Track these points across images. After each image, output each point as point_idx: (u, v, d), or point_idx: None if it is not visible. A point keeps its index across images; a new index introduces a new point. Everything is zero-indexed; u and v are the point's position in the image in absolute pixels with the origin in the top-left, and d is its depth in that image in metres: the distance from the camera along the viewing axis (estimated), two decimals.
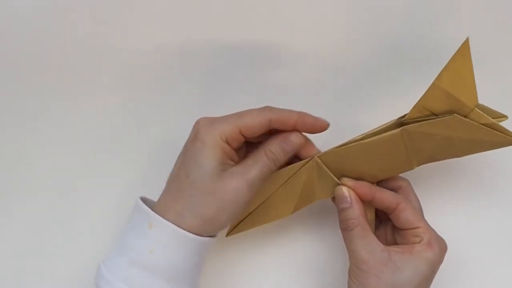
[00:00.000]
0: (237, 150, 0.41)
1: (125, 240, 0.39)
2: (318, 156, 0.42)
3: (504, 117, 0.42)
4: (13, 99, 0.51)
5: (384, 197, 0.41)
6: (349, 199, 0.41)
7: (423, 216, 0.42)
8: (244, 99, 0.45)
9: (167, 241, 0.37)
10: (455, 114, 0.39)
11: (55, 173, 0.50)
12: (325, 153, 0.42)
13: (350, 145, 0.42)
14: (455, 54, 0.38)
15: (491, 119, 0.39)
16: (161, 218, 0.38)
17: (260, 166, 0.40)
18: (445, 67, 0.39)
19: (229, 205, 0.38)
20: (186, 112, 0.48)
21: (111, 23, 0.51)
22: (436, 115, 0.40)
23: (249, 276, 0.48)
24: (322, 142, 0.43)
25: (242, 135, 0.40)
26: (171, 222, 0.37)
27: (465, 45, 0.38)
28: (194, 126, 0.40)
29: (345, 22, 0.50)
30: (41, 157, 0.50)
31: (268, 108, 0.40)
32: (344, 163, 0.42)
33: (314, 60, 0.51)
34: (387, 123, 0.42)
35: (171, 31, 0.51)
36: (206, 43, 0.50)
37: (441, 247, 0.40)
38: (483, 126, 0.39)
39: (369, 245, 0.40)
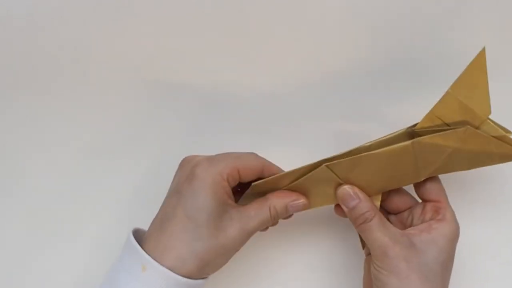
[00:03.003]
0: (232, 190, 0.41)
1: (115, 280, 0.38)
2: (326, 165, 0.41)
3: (510, 132, 0.42)
4: (12, 102, 0.51)
5: None
6: (355, 196, 0.41)
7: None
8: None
9: (161, 286, 0.37)
10: (468, 126, 0.39)
11: (51, 176, 0.50)
12: (334, 163, 0.41)
13: (360, 155, 0.40)
14: (470, 64, 0.39)
15: (503, 131, 0.39)
16: (156, 263, 0.37)
17: (261, 220, 0.40)
18: (460, 76, 0.39)
19: (229, 252, 0.39)
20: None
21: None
22: (447, 125, 0.40)
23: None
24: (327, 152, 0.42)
25: (239, 176, 0.40)
26: (167, 267, 0.37)
27: (481, 55, 0.38)
28: (185, 165, 0.40)
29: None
30: (38, 161, 0.51)
31: (257, 155, 0.42)
32: (353, 174, 0.41)
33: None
34: (396, 131, 0.42)
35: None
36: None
37: (456, 224, 0.41)
38: (494, 139, 0.39)
39: (390, 231, 0.40)
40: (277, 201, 0.41)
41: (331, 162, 0.41)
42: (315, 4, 0.49)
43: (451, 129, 0.39)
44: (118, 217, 0.49)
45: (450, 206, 0.42)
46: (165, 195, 0.41)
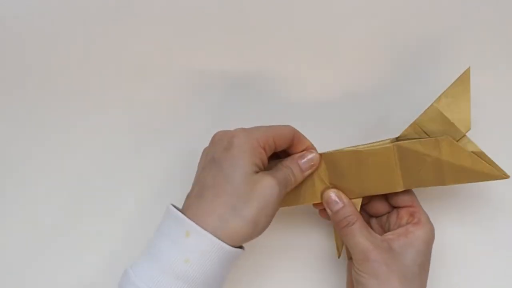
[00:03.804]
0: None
1: (157, 247, 0.38)
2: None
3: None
4: (12, 101, 0.51)
5: None
6: (339, 200, 0.43)
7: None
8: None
9: (204, 251, 0.37)
10: (448, 136, 0.41)
11: (63, 178, 0.50)
12: (323, 152, 0.43)
13: (343, 150, 0.43)
14: (455, 81, 0.42)
15: (479, 148, 0.41)
16: (200, 228, 0.37)
17: (283, 175, 0.41)
18: (445, 91, 0.42)
19: (265, 204, 0.39)
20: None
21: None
22: (428, 135, 0.42)
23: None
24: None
25: (274, 143, 0.42)
26: (209, 231, 0.37)
27: (466, 74, 0.42)
28: (220, 139, 0.41)
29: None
30: (48, 162, 0.51)
31: (290, 126, 0.43)
32: (334, 170, 0.43)
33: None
34: (382, 140, 0.44)
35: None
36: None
37: (431, 226, 0.43)
38: (473, 154, 0.41)
39: (371, 235, 0.41)
40: (289, 160, 0.43)
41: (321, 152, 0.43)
42: (316, 4, 0.51)
43: (432, 137, 0.42)
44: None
45: (423, 209, 0.43)
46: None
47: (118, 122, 0.51)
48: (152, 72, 0.51)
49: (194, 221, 0.38)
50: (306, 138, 0.44)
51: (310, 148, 0.43)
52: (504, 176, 0.41)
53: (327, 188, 0.43)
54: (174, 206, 0.40)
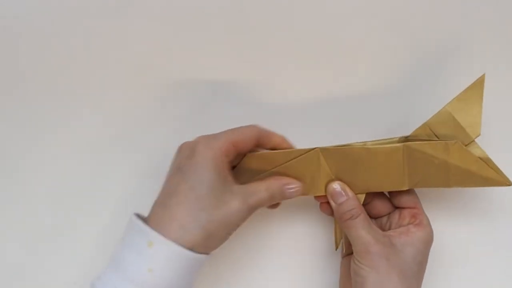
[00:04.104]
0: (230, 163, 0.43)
1: (121, 258, 0.39)
2: (320, 148, 0.43)
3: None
4: (12, 102, 0.51)
5: None
6: (344, 193, 0.43)
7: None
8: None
9: (167, 260, 0.38)
10: (457, 140, 0.42)
11: (63, 178, 0.50)
12: (327, 148, 0.43)
13: (352, 147, 0.43)
14: (469, 86, 0.42)
15: (487, 154, 0.42)
16: (163, 238, 0.37)
17: (259, 198, 0.41)
18: (458, 95, 0.43)
19: (231, 224, 0.40)
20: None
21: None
22: (437, 137, 0.43)
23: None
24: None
25: (235, 148, 0.42)
26: (172, 240, 0.37)
27: (481, 80, 0.42)
28: (185, 147, 0.42)
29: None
30: (48, 162, 0.51)
31: (255, 125, 0.43)
32: (342, 164, 0.43)
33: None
34: (391, 138, 0.44)
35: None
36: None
37: (431, 229, 0.44)
38: (480, 160, 0.42)
39: (373, 230, 0.42)
40: (274, 182, 0.43)
41: (324, 147, 0.43)
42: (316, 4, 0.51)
43: (441, 140, 0.42)
44: (121, 211, 0.50)
45: (425, 213, 0.44)
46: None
47: (118, 122, 0.51)
48: (152, 72, 0.51)
49: (156, 230, 0.38)
50: (276, 134, 0.44)
51: (283, 143, 0.44)
52: (508, 183, 0.42)
53: (332, 180, 0.44)
54: (138, 215, 0.40)
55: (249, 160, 0.44)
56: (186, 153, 0.41)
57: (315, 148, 0.43)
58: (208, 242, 0.39)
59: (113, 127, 0.51)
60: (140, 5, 0.51)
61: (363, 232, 0.42)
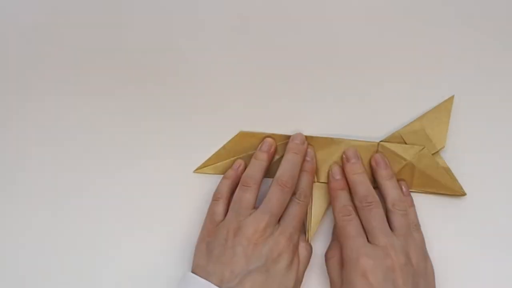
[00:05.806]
0: None
1: None
2: (306, 136, 0.49)
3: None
4: (19, 103, 0.52)
5: None
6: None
7: None
8: None
9: None
10: (425, 147, 0.48)
11: (63, 178, 0.51)
12: (312, 136, 0.49)
13: (333, 138, 0.48)
14: (440, 104, 0.49)
15: (447, 164, 0.48)
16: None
17: None
18: (429, 111, 0.49)
19: None
20: None
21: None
22: (406, 144, 0.49)
23: None
24: None
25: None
26: None
27: (450, 100, 0.49)
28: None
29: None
30: (48, 161, 0.51)
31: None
32: (323, 152, 0.48)
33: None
34: (368, 141, 0.50)
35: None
36: None
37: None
38: (441, 168, 0.48)
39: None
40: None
41: (309, 135, 0.49)
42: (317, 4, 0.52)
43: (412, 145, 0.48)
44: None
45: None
46: None
47: (119, 122, 0.51)
48: (153, 72, 0.52)
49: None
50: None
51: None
52: (462, 193, 0.48)
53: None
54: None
55: (241, 137, 0.49)
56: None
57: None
58: None
59: (115, 127, 0.51)
60: (140, 5, 0.51)
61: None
